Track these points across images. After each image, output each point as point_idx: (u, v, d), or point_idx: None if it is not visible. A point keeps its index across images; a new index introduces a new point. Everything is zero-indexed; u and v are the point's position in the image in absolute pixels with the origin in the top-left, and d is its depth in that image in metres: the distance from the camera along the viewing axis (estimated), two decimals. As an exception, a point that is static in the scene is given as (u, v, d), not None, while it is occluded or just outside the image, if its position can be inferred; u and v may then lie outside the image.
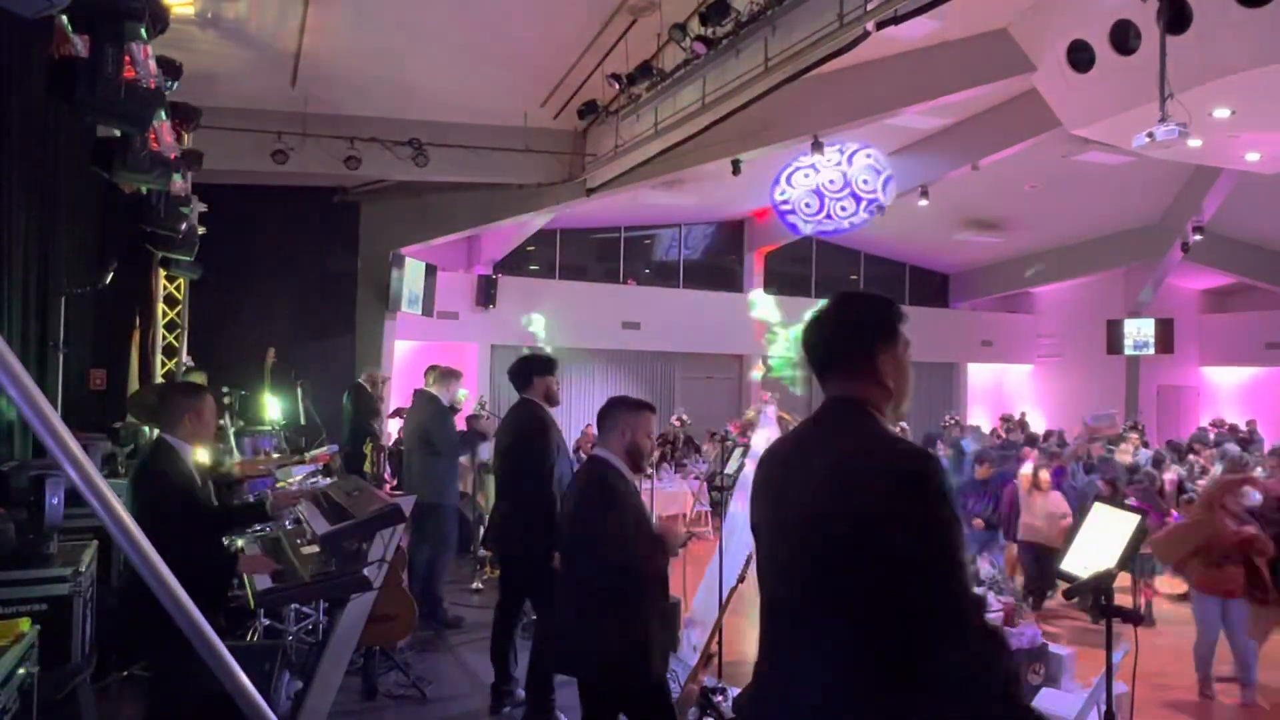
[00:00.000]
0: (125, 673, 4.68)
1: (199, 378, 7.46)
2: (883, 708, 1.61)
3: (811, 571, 1.71)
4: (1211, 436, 13.24)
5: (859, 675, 1.64)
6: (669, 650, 3.37)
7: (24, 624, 3.48)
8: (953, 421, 12.68)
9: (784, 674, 1.78)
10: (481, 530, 8.14)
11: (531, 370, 4.89)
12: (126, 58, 4.36)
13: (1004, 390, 19.70)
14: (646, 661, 3.14)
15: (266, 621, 5.41)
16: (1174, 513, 7.72)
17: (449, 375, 6.72)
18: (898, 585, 1.59)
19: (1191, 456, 11.34)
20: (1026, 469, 7.97)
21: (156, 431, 3.68)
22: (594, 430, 13.03)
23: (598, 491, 3.23)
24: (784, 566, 1.80)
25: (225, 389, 7.70)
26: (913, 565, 1.59)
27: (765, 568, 1.89)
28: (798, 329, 2.01)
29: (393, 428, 10.96)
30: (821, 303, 1.97)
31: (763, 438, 6.58)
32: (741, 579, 4.57)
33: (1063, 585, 3.81)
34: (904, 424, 13.81)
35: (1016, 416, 16.93)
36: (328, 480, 5.57)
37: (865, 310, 1.89)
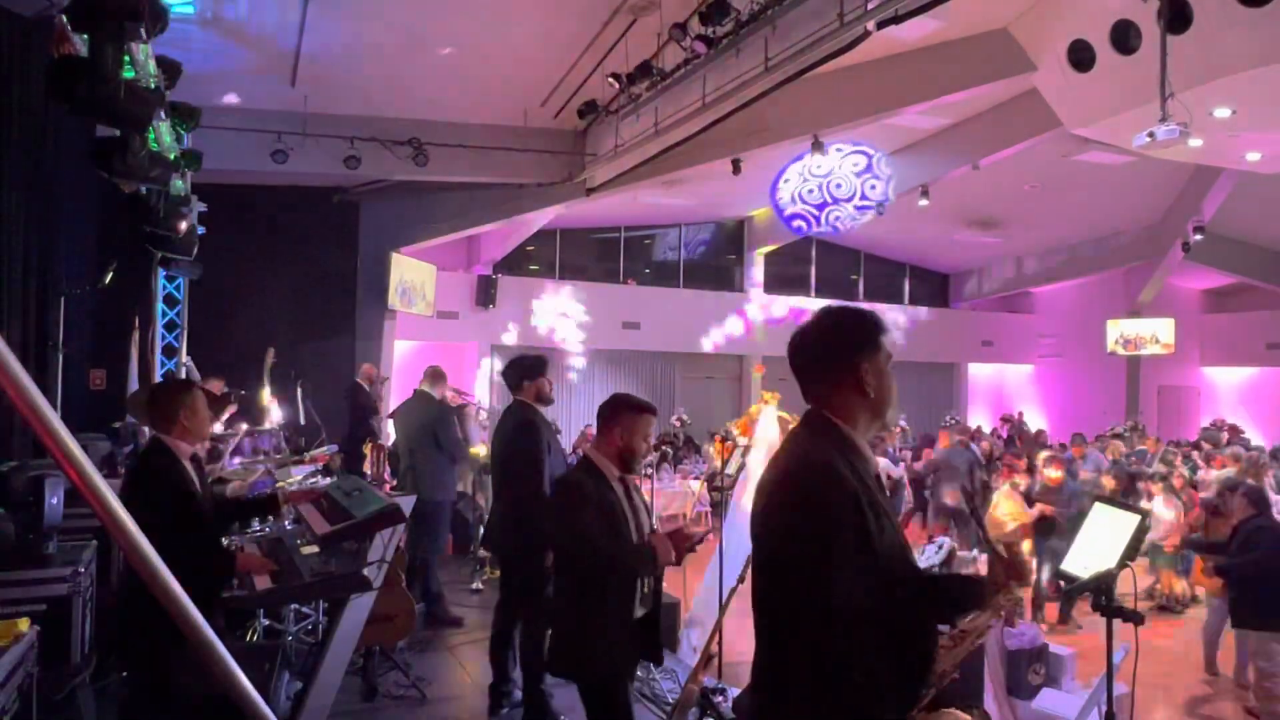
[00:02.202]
0: (125, 672, 4.68)
1: (213, 385, 7.44)
2: (805, 696, 1.75)
3: (759, 574, 1.89)
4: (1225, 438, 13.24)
5: (789, 667, 1.79)
6: (636, 655, 3.30)
7: (24, 624, 3.48)
8: (952, 421, 12.68)
9: (757, 665, 1.92)
10: (482, 530, 8.14)
11: (521, 373, 4.91)
12: (126, 57, 4.36)
13: (1004, 390, 19.70)
14: (594, 662, 3.14)
15: (266, 621, 5.41)
16: None
17: (437, 375, 6.82)
18: (780, 589, 1.79)
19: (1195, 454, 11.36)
20: None
21: (151, 432, 3.68)
22: (592, 431, 12.99)
23: (563, 491, 3.31)
24: (754, 574, 1.94)
25: (226, 390, 7.70)
26: (783, 570, 1.78)
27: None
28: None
29: (392, 428, 10.95)
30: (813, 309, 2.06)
31: (763, 437, 6.57)
32: (741, 579, 4.56)
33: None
34: (903, 424, 13.76)
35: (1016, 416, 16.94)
36: (328, 480, 5.58)
37: (846, 324, 1.96)
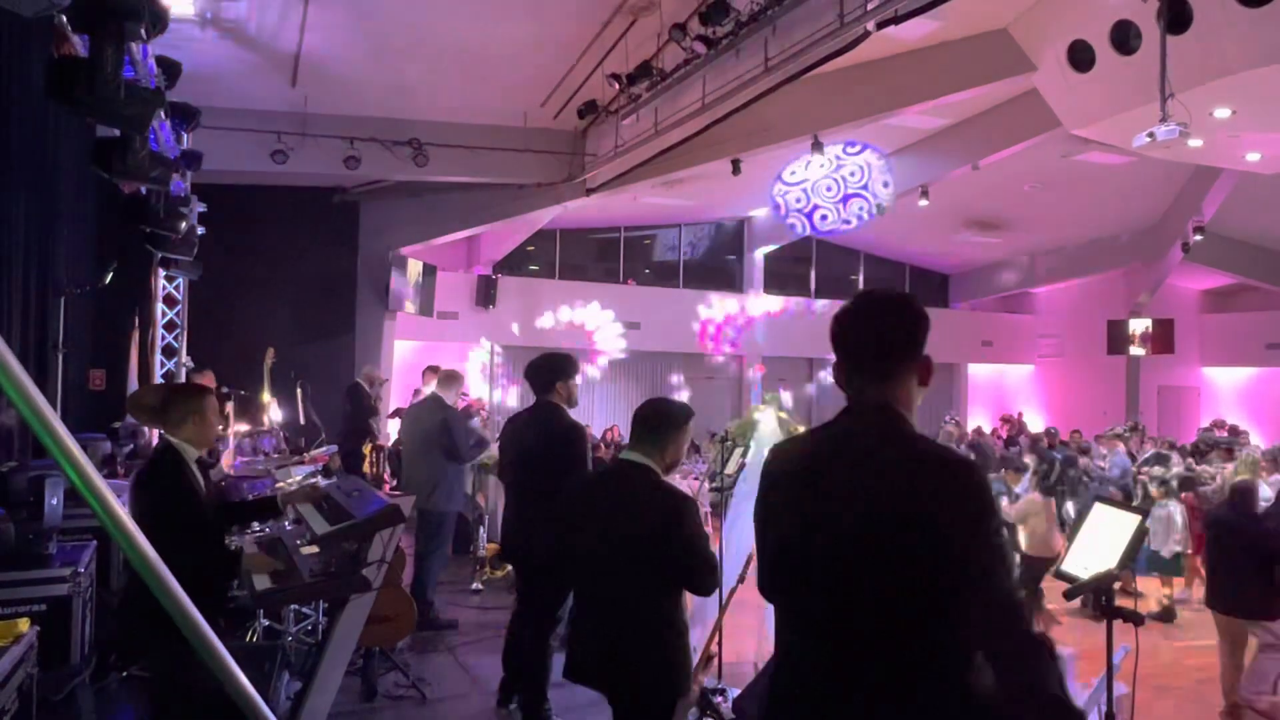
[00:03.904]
0: (125, 673, 4.68)
1: (206, 378, 7.46)
2: (926, 710, 1.64)
3: (865, 581, 1.67)
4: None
5: (909, 682, 1.65)
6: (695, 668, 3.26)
7: (24, 624, 3.49)
8: (953, 421, 12.68)
9: (820, 683, 1.74)
10: (482, 531, 8.13)
11: (555, 373, 4.66)
12: (126, 57, 4.36)
13: (1004, 390, 19.70)
14: (682, 678, 3.05)
15: (266, 622, 5.41)
16: None
17: (452, 378, 6.66)
18: (959, 591, 1.61)
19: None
20: None
21: (159, 434, 3.67)
22: (592, 431, 12.89)
23: (690, 508, 3.01)
24: (823, 576, 1.72)
25: (225, 389, 7.70)
26: (974, 571, 1.62)
27: (790, 578, 1.82)
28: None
29: (392, 428, 10.98)
30: (853, 297, 1.90)
31: (764, 438, 6.57)
32: (741, 579, 4.56)
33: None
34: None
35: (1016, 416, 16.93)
36: (328, 480, 5.57)
37: (917, 313, 1.86)
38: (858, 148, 10.82)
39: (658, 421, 3.11)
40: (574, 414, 4.77)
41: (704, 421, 14.64)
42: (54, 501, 4.53)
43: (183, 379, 8.84)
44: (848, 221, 10.81)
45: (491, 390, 14.29)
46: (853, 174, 10.75)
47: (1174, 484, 8.19)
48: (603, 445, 11.63)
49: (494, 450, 7.34)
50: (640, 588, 2.97)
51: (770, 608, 1.93)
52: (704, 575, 2.99)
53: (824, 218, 10.94)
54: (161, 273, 9.14)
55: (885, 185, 10.74)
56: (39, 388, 0.97)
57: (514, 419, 4.99)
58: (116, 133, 4.95)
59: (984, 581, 1.61)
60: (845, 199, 10.81)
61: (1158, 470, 8.77)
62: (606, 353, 15.77)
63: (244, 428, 7.40)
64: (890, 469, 1.70)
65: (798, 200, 11.01)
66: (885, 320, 1.84)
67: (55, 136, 6.41)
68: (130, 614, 3.25)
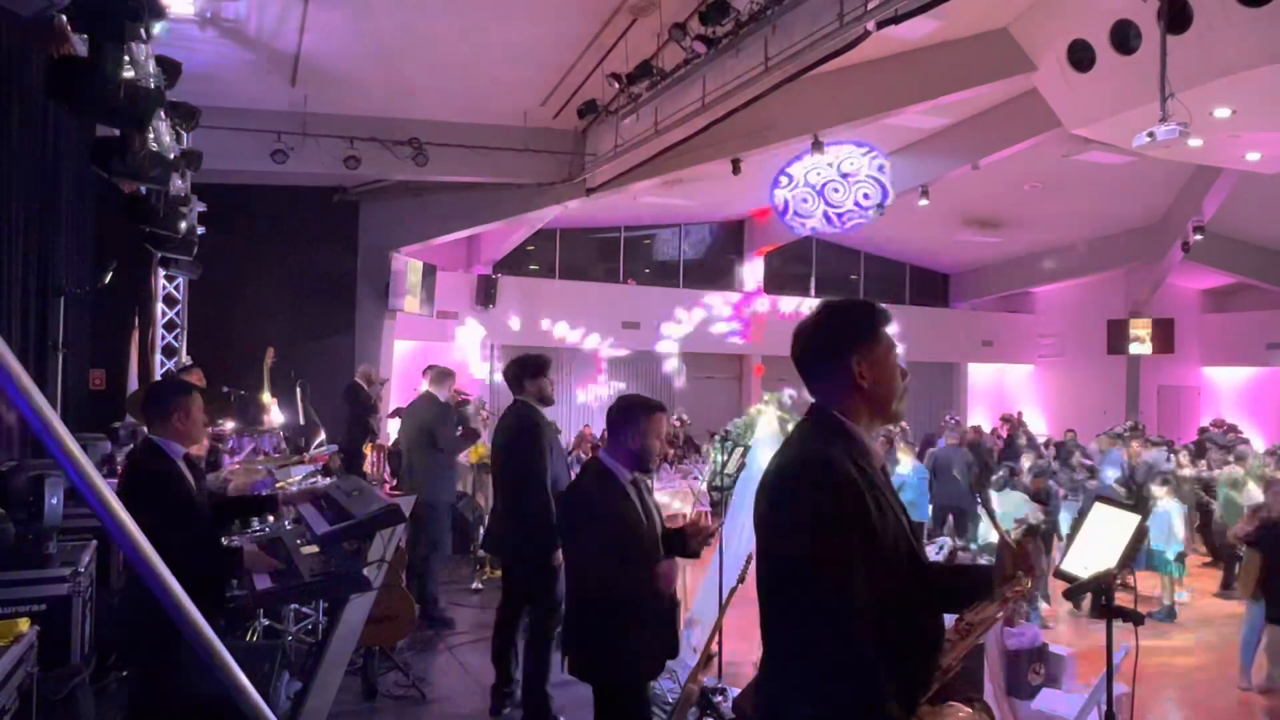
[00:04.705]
0: (125, 673, 4.68)
1: (195, 376, 7.47)
2: (812, 690, 1.74)
3: (764, 570, 1.88)
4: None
5: (791, 663, 1.80)
6: (660, 656, 3.30)
7: (24, 624, 3.48)
8: (952, 421, 12.68)
9: (763, 658, 1.96)
10: (481, 530, 8.15)
11: (522, 373, 4.91)
12: (126, 57, 4.36)
13: (1004, 390, 19.70)
14: (624, 664, 3.14)
15: (266, 621, 5.41)
16: None
17: (444, 376, 6.79)
18: (783, 585, 1.78)
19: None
20: None
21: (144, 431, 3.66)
22: (591, 431, 12.99)
23: (584, 500, 3.26)
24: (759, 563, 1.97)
25: (225, 388, 7.71)
26: (785, 566, 1.77)
27: None
28: None
29: (392, 428, 10.98)
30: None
31: (764, 437, 6.57)
32: (741, 579, 4.56)
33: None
34: (904, 424, 13.83)
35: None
36: (328, 480, 5.58)
37: (843, 316, 1.95)
38: (856, 147, 10.81)
39: (622, 415, 3.29)
40: (579, 414, 4.91)
41: (704, 421, 14.66)
42: (54, 501, 4.53)
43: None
44: (856, 214, 10.80)
45: (491, 393, 14.27)
46: (855, 169, 10.73)
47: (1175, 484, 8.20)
48: (602, 444, 11.64)
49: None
50: (585, 573, 3.22)
51: None
52: (597, 590, 3.12)
53: (824, 216, 10.93)
54: (161, 273, 9.15)
55: (885, 185, 10.73)
56: (39, 388, 0.97)
57: (501, 418, 5.21)
58: (116, 132, 4.95)
59: (798, 580, 1.73)
60: (843, 198, 10.80)
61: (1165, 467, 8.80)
62: (605, 357, 15.77)
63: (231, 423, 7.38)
64: (776, 472, 1.89)
65: (794, 199, 11.00)
66: (804, 329, 1.98)
67: (55, 136, 6.41)
68: (130, 614, 3.25)
